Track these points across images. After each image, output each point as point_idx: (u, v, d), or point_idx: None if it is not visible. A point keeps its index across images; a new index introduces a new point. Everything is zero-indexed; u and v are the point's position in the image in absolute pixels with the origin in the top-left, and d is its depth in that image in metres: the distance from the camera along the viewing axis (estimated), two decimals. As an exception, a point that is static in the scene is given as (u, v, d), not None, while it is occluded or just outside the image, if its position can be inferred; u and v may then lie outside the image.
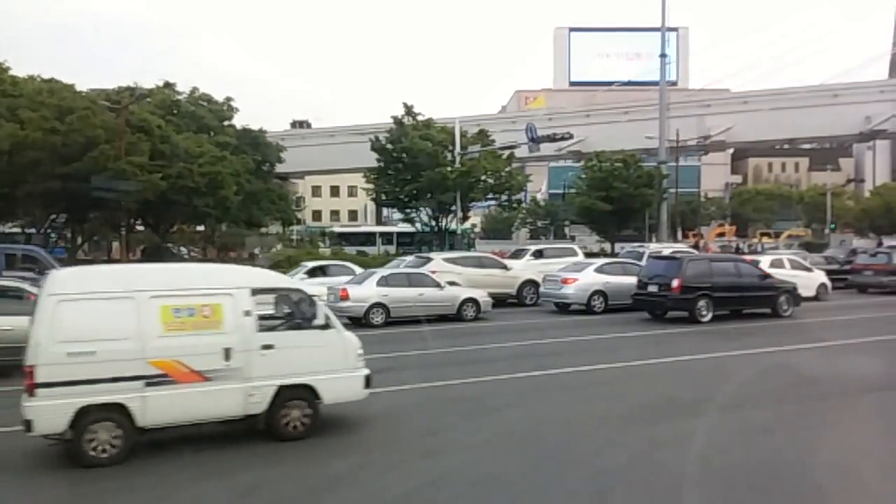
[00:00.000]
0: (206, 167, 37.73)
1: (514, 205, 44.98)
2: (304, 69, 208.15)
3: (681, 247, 34.07)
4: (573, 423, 9.65)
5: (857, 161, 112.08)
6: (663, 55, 44.19)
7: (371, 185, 44.84)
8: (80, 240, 40.28)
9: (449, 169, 36.35)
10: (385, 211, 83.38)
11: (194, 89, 47.65)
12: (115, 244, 42.61)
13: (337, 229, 66.40)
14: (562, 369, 13.28)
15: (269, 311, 9.44)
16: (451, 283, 21.49)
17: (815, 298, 25.87)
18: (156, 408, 7.72)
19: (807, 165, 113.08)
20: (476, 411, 10.28)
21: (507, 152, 39.72)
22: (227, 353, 8.01)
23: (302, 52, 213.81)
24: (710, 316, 19.53)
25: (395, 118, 40.55)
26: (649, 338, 17.76)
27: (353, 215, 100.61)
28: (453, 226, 39.72)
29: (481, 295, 20.78)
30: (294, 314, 8.92)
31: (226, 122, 48.47)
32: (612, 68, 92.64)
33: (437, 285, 20.51)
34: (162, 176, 34.14)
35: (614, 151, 43.92)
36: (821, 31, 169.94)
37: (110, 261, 35.09)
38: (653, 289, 20.25)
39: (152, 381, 7.70)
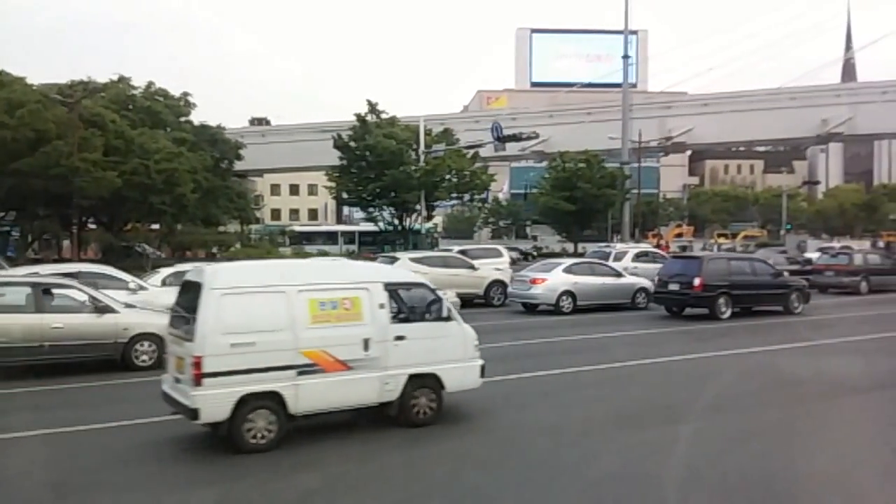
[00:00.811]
0: (163, 164, 36.70)
1: (479, 204, 44.73)
2: (262, 67, 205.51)
3: (646, 246, 34.15)
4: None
5: (810, 164, 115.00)
6: (626, 56, 44.41)
7: (333, 184, 44.19)
8: (30, 238, 38.83)
9: (413, 168, 35.93)
10: (346, 210, 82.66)
11: (150, 84, 46.38)
12: (67, 243, 41.19)
13: (297, 228, 65.51)
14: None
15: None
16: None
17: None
18: (306, 395, 8.13)
19: (762, 168, 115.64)
20: (459, 417, 9.74)
21: (471, 151, 39.45)
22: (366, 344, 8.47)
23: (261, 50, 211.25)
24: (729, 313, 20.09)
25: (358, 115, 39.97)
26: (642, 337, 17.48)
27: (313, 214, 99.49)
28: (417, 225, 39.28)
29: (449, 296, 20.36)
30: (421, 307, 9.29)
31: (183, 118, 47.23)
32: (573, 70, 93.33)
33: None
34: (116, 172, 33.07)
35: (578, 152, 43.99)
36: (777, 36, 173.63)
37: (61, 260, 33.77)
38: (674, 287, 20.79)
39: (303, 370, 8.11)
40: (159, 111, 44.40)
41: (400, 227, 40.87)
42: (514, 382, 11.98)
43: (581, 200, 40.54)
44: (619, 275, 23.34)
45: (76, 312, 12.71)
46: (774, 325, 19.55)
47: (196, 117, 48.36)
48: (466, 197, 41.84)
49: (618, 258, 26.95)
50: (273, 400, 7.97)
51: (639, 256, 27.98)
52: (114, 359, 12.83)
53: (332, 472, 7.63)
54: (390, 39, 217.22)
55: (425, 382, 8.92)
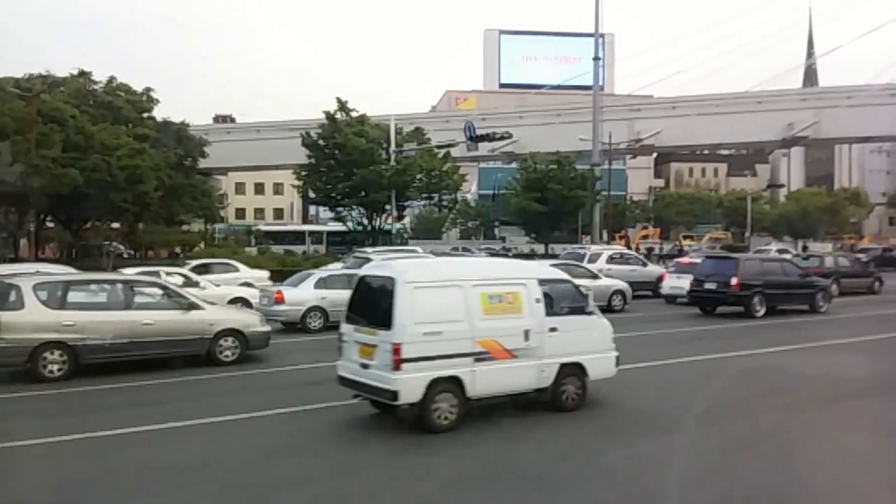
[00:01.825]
0: (124, 160, 35.65)
1: (450, 204, 44.30)
2: (227, 64, 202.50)
3: (620, 248, 34.12)
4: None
5: (773, 167, 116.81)
6: (597, 58, 44.34)
7: (301, 182, 43.38)
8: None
9: (384, 167, 35.37)
10: (312, 209, 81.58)
11: (111, 79, 45.04)
12: (24, 241, 39.79)
13: (263, 228, 64.33)
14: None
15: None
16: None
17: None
18: (481, 381, 8.89)
19: (725, 171, 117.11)
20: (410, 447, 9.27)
21: (443, 151, 39.00)
22: (527, 335, 9.23)
23: (227, 47, 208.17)
24: (763, 311, 20.86)
25: (327, 113, 39.24)
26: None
27: (278, 214, 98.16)
28: (388, 225, 38.68)
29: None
30: (568, 302, 10.08)
31: (145, 114, 45.97)
32: (542, 71, 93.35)
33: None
34: (77, 169, 31.96)
35: (548, 153, 43.81)
36: (743, 41, 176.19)
37: (18, 259, 32.50)
38: (710, 286, 21.58)
39: (478, 357, 8.88)
40: (121, 107, 43.14)
41: (369, 228, 40.21)
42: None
43: (552, 202, 40.36)
44: (595, 277, 23.08)
45: (165, 309, 13.14)
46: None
47: (159, 113, 47.18)
48: (437, 197, 41.35)
49: (592, 260, 26.77)
50: (455, 384, 8.76)
51: (613, 258, 27.85)
52: (199, 354, 13.26)
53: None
54: (358, 39, 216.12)
55: (573, 371, 9.75)
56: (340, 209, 41.58)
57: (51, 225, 42.06)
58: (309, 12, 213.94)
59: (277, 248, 48.47)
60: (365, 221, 40.52)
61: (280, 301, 18.52)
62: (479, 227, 77.09)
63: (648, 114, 54.72)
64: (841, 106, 50.52)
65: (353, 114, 39.41)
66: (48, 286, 12.68)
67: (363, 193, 37.62)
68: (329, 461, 8.07)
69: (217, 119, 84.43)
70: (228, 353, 13.49)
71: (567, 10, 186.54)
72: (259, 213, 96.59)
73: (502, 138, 33.86)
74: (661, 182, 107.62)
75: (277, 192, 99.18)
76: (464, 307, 8.88)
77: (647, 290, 27.01)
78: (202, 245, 49.20)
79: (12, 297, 12.15)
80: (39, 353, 11.89)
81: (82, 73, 43.83)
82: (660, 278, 27.50)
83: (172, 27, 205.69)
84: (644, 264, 29.02)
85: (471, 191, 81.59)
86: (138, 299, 13.12)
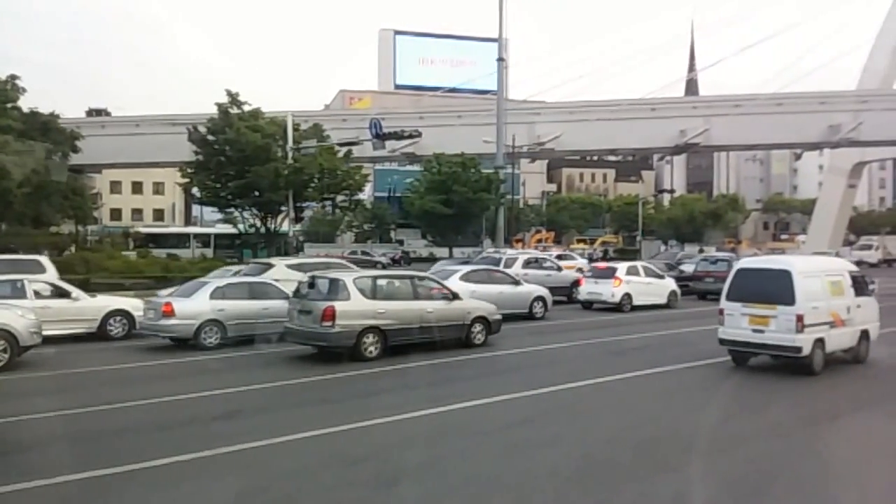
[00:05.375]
0: (-18, 153, 31.39)
1: (353, 206, 42.15)
2: (99, 55, 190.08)
3: (535, 252, 33.36)
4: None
5: (657, 174, 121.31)
6: (501, 59, 43.46)
7: (186, 180, 40.08)
8: None
9: (281, 165, 32.91)
10: (196, 210, 76.89)
11: (-32, 63, 40.11)
12: None
13: (143, 230, 59.56)
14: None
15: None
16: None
17: (667, 306, 25.75)
18: (831, 341, 12.84)
19: (613, 176, 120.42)
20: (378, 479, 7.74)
21: (344, 150, 36.87)
22: (849, 309, 13.24)
23: (100, 37, 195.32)
24: None
25: (219, 105, 36.23)
26: None
27: (158, 215, 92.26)
28: (284, 228, 36.10)
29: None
30: (860, 286, 13.92)
31: (10, 105, 41.17)
32: (437, 73, 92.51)
33: (286, 297, 17.35)
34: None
35: (452, 154, 42.58)
36: (630, 51, 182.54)
37: None
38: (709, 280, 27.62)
39: (830, 325, 12.81)
40: (-21, 96, 38.35)
41: (263, 230, 37.49)
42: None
43: (457, 204, 39.12)
44: (516, 282, 21.85)
45: (437, 300, 15.71)
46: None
47: (26, 104, 42.37)
48: (340, 198, 39.12)
49: (508, 265, 25.62)
50: (821, 343, 12.61)
51: (528, 263, 26.83)
52: (458, 338, 15.75)
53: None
54: (245, 37, 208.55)
55: (865, 335, 13.86)
56: (231, 210, 38.58)
57: None
58: (192, 8, 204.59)
59: (159, 252, 44.77)
60: (258, 223, 37.75)
61: (169, 314, 16.04)
62: (375, 231, 75.09)
63: (548, 118, 54.43)
64: (730, 114, 52.04)
65: (246, 107, 36.62)
66: (363, 280, 15.04)
67: (257, 193, 34.94)
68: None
69: (91, 112, 77.90)
70: (480, 336, 16.14)
71: (457, 14, 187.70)
72: (137, 213, 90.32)
73: (410, 136, 32.18)
74: (553, 187, 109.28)
75: (158, 191, 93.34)
76: (822, 290, 12.89)
77: (562, 295, 26.15)
78: (73, 248, 44.76)
79: (341, 290, 14.34)
80: (362, 337, 14.14)
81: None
82: (575, 283, 26.73)
83: (44, 11, 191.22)
84: (559, 269, 28.15)
85: (366, 192, 79.54)
86: (420, 291, 15.64)
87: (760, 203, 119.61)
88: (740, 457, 8.18)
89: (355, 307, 14.17)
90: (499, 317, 16.87)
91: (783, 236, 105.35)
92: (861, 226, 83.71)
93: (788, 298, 12.28)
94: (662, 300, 25.79)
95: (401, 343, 14.61)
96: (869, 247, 64.56)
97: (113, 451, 8.25)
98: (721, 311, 13.35)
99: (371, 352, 14.21)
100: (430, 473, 7.63)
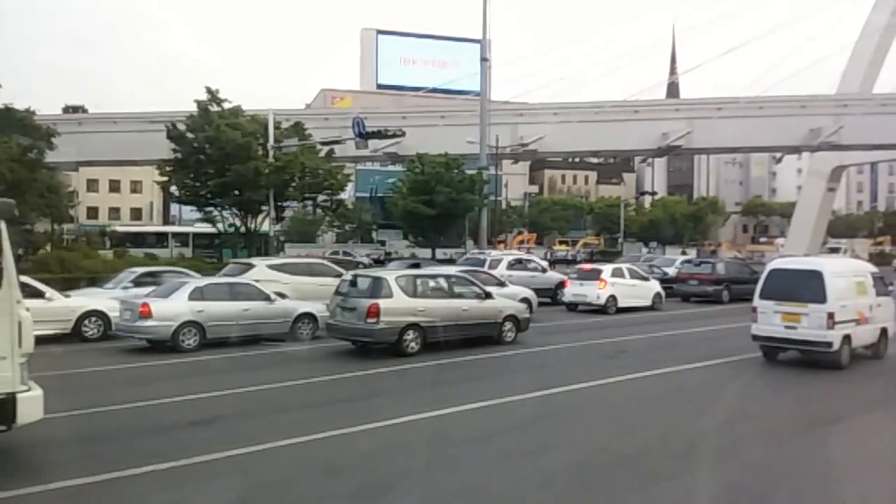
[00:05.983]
0: (-46, 149, 30.56)
1: (334, 206, 41.57)
2: (78, 51, 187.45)
3: (519, 254, 32.99)
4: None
5: (638, 176, 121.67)
6: (485, 59, 43.18)
7: (165, 179, 39.33)
8: None
9: (262, 163, 32.34)
10: (174, 209, 75.86)
11: (-61, 56, 39.16)
12: None
13: (120, 229, 58.58)
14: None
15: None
16: (280, 295, 17.99)
17: (652, 308, 25.61)
18: (856, 337, 13.83)
19: (595, 178, 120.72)
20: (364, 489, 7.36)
21: (326, 148, 36.33)
22: (871, 308, 14.27)
23: (78, 32, 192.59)
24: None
25: (199, 102, 35.55)
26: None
27: (136, 214, 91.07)
28: (264, 227, 35.51)
29: (319, 309, 17.45)
30: (880, 287, 15.01)
31: (-18, 100, 40.22)
32: (419, 74, 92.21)
33: (266, 298, 16.94)
34: None
35: (435, 154, 42.20)
36: (620, 51, 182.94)
37: None
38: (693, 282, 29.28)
39: (856, 322, 13.79)
40: (-50, 89, 37.38)
41: (243, 230, 36.85)
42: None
43: (440, 205, 38.71)
44: (502, 284, 21.52)
45: (472, 298, 16.26)
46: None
47: (0, 100, 41.41)
48: (322, 197, 38.54)
49: (493, 266, 25.30)
50: (847, 339, 13.50)
51: (513, 264, 26.53)
52: (490, 336, 16.31)
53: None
54: (226, 36, 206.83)
55: (884, 332, 14.72)
56: (210, 209, 37.87)
57: None
58: (172, 5, 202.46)
59: (137, 252, 43.95)
60: (238, 223, 37.10)
61: (146, 315, 15.54)
62: (356, 231, 74.51)
63: (531, 119, 54.14)
64: (712, 117, 52.08)
65: (226, 105, 35.96)
66: (404, 279, 15.62)
67: (237, 192, 34.29)
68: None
69: (67, 109, 76.58)
70: (510, 333, 16.68)
71: (439, 14, 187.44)
72: (114, 212, 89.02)
73: (394, 135, 31.78)
74: (535, 188, 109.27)
75: (135, 190, 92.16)
76: (849, 290, 13.83)
77: (547, 297, 25.90)
78: (49, 247, 43.85)
79: (384, 287, 14.91)
80: (403, 333, 14.77)
81: None
82: (560, 284, 26.50)
83: (19, 4, 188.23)
84: (543, 270, 27.91)
85: (347, 193, 78.90)
86: (457, 289, 16.24)
87: (740, 206, 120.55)
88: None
89: (398, 304, 14.79)
90: (527, 315, 17.64)
91: (762, 239, 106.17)
92: (839, 229, 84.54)
93: (820, 297, 13.18)
94: (647, 302, 25.66)
95: (439, 340, 15.17)
96: (837, 250, 65.20)
97: (82, 461, 7.78)
98: (754, 309, 14.20)
99: (412, 347, 14.84)
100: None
